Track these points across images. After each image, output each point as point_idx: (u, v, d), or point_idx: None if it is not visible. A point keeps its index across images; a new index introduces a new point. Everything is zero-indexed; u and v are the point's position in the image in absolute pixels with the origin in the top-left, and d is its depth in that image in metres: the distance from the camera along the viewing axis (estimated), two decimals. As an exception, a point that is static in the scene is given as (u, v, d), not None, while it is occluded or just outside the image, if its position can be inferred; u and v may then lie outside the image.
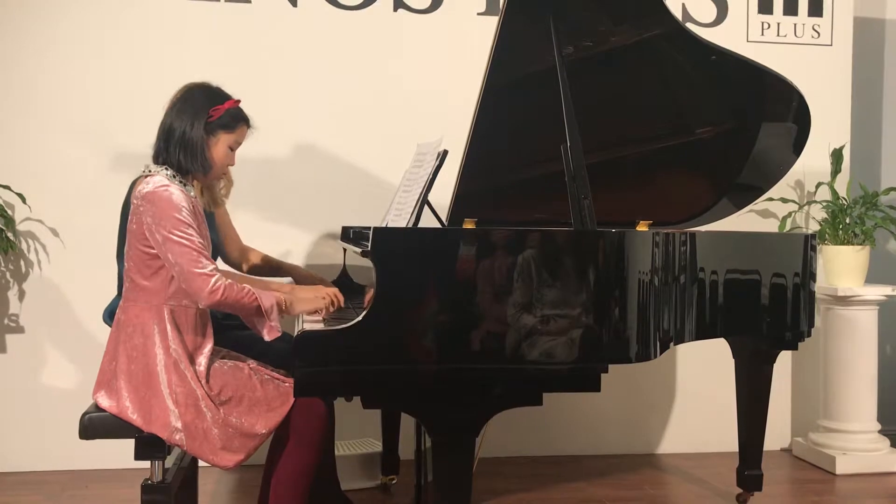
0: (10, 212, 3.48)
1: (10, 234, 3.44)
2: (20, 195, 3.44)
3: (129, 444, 2.22)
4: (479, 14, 3.81)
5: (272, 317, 2.25)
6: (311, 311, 2.44)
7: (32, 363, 3.58)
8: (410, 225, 2.38)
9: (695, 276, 2.58)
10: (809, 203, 3.98)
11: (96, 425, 2.25)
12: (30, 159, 3.56)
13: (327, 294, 2.47)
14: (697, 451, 3.96)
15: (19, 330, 3.59)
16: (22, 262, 3.59)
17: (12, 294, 3.59)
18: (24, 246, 3.58)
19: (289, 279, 2.97)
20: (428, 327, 2.12)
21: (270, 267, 3.03)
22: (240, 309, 2.24)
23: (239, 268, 3.00)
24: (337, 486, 2.80)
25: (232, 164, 2.43)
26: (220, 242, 2.94)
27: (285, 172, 3.68)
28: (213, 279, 2.18)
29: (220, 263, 2.91)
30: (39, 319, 3.59)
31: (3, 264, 3.57)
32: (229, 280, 2.23)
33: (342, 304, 2.50)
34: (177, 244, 2.18)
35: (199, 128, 2.29)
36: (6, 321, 3.58)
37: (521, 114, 2.80)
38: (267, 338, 2.26)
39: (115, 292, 2.75)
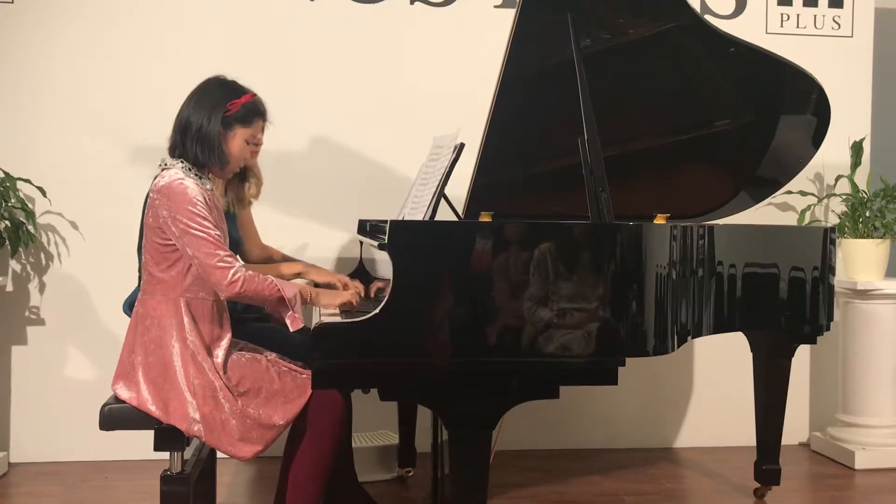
0: (30, 205, 3.51)
1: (30, 227, 3.47)
2: (40, 188, 3.47)
3: (148, 436, 2.23)
4: (495, 7, 3.80)
5: (296, 307, 2.24)
6: (337, 303, 2.38)
7: (53, 355, 3.62)
8: (427, 218, 2.38)
9: (713, 270, 2.57)
10: (829, 196, 3.95)
11: (116, 416, 2.26)
12: (50, 153, 3.59)
13: (350, 287, 2.47)
14: (715, 446, 3.94)
15: (40, 322, 3.62)
16: (42, 255, 3.62)
17: (32, 286, 3.62)
18: (44, 239, 3.61)
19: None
20: (444, 320, 2.12)
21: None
22: (262, 300, 2.24)
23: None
24: (354, 477, 2.81)
25: (248, 158, 2.44)
26: (240, 240, 2.94)
27: (302, 166, 3.69)
28: (232, 270, 2.19)
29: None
30: (59, 312, 3.62)
31: (23, 257, 3.60)
32: (249, 271, 2.24)
33: (361, 294, 2.50)
34: (194, 237, 2.19)
35: (216, 122, 2.30)
36: (27, 313, 3.62)
37: (537, 107, 2.80)
38: (291, 328, 2.24)
39: (136, 284, 2.77)
